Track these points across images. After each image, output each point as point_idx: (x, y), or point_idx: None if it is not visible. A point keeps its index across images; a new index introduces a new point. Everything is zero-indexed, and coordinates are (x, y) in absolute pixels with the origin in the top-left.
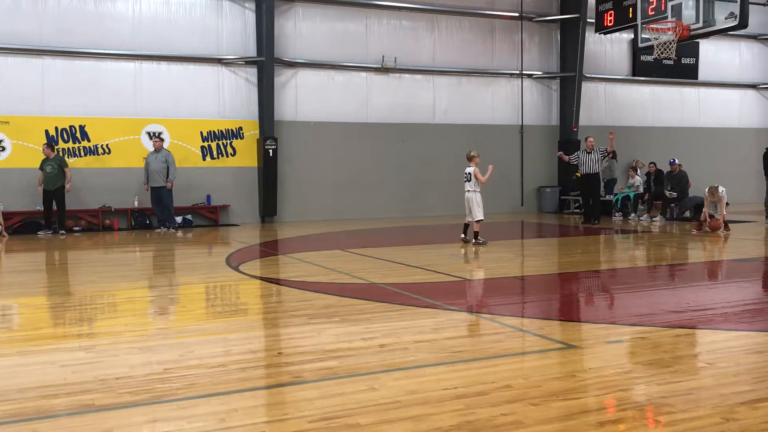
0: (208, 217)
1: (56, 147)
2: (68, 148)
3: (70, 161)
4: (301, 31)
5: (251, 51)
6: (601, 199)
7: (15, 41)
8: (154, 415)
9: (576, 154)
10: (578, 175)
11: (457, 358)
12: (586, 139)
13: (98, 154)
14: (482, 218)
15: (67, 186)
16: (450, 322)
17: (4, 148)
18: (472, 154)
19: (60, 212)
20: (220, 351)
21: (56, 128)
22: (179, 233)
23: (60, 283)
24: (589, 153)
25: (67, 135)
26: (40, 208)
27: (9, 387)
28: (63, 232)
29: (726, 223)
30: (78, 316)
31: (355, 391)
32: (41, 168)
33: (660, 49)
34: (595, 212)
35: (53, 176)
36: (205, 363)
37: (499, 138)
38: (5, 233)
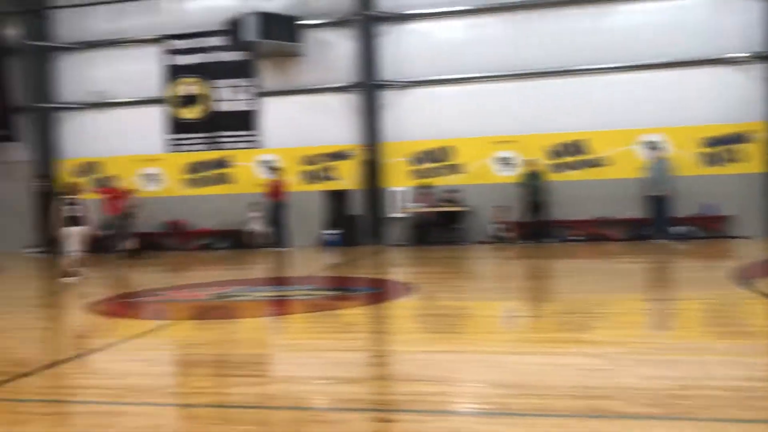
0: (708, 228)
1: (556, 161)
2: (567, 162)
3: (568, 174)
4: None
5: (755, 47)
6: None
7: (516, 68)
8: (672, 431)
9: None
10: None
11: None
12: None
13: (596, 167)
14: None
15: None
16: None
17: (514, 165)
18: None
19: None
20: (740, 374)
21: (555, 144)
22: (677, 245)
23: (561, 291)
24: None
25: (565, 149)
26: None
27: (536, 383)
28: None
29: None
30: (581, 323)
31: None
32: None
33: None
34: None
35: None
36: (724, 385)
37: None
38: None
